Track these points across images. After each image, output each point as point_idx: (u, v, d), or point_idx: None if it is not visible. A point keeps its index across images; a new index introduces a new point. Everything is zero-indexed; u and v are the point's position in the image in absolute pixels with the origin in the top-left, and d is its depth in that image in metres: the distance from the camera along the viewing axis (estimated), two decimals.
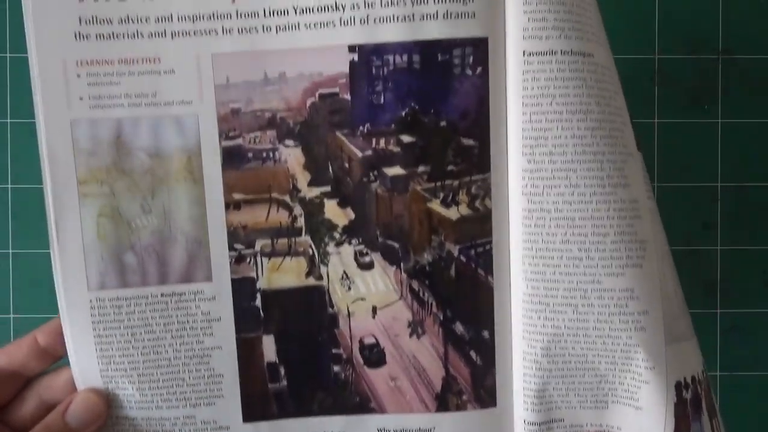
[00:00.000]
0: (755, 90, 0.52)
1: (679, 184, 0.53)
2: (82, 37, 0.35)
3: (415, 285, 0.37)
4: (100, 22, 0.35)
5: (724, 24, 0.51)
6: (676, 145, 0.53)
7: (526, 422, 0.37)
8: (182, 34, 0.35)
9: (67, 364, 0.37)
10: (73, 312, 0.36)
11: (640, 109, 0.52)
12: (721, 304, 0.53)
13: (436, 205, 0.36)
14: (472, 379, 0.37)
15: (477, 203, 0.35)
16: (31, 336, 0.37)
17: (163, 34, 0.35)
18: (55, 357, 0.38)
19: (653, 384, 0.34)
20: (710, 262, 0.53)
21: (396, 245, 0.36)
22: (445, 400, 0.37)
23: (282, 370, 0.38)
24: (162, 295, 0.37)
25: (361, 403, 0.38)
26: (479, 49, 0.34)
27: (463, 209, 0.36)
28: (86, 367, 0.36)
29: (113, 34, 0.35)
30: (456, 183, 0.35)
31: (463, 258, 0.36)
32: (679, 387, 0.35)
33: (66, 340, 0.36)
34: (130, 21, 0.35)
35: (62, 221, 0.36)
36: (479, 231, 0.36)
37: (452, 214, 0.36)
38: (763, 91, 0.52)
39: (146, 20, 0.35)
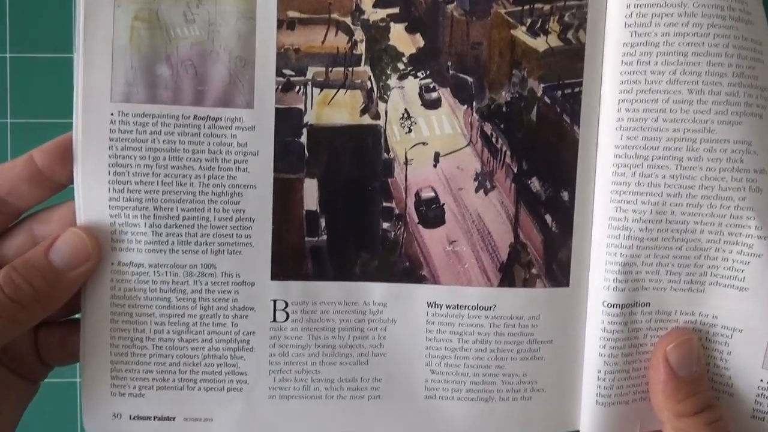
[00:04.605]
0: None
1: None
2: None
3: (488, 129, 0.32)
4: None
5: None
6: None
7: (606, 304, 0.31)
8: None
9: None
10: (89, 126, 0.31)
11: None
12: None
13: (521, 33, 0.31)
14: (545, 249, 0.32)
15: (569, 34, 0.31)
16: (27, 155, 0.31)
17: None
18: (54, 185, 0.32)
19: (766, 257, 0.29)
20: None
21: (469, 79, 0.32)
22: (510, 272, 0.32)
23: (322, 222, 0.32)
24: (195, 117, 0.32)
25: (410, 269, 0.32)
26: None
27: (553, 40, 0.31)
28: (93, 195, 0.31)
29: None
30: (547, 8, 0.31)
31: (547, 99, 0.31)
32: None
33: (74, 160, 0.31)
34: None
35: (92, 20, 0.31)
36: (569, 68, 0.31)
37: (539, 44, 0.31)
38: None
39: None
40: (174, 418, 0.33)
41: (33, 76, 0.47)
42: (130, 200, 0.31)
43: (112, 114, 0.31)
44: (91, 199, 0.31)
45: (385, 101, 0.32)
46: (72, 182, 0.32)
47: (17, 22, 0.46)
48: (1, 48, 0.47)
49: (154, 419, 0.33)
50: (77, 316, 0.33)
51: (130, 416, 0.32)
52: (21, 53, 0.47)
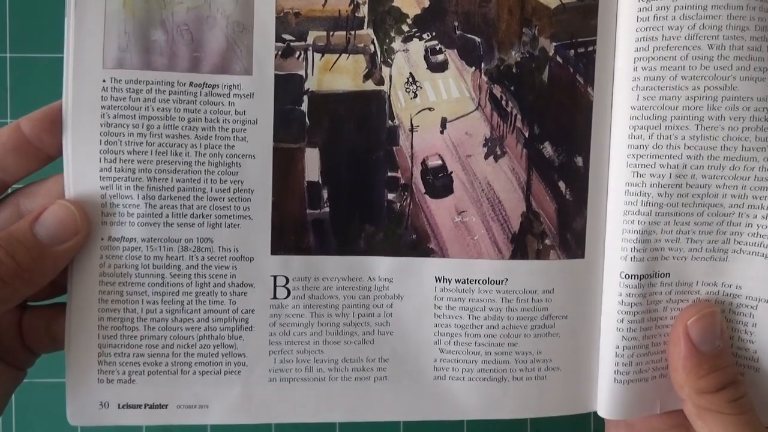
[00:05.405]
0: None
1: None
2: None
3: (498, 91, 0.30)
4: None
5: None
6: None
7: (624, 275, 0.29)
8: None
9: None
10: (80, 93, 0.29)
11: None
12: None
13: None
14: (559, 217, 0.30)
15: None
16: (13, 124, 0.30)
17: None
18: (42, 156, 0.30)
19: None
20: None
21: (477, 40, 0.30)
22: (522, 243, 0.30)
23: (325, 194, 0.31)
24: (191, 84, 0.30)
25: (417, 242, 0.31)
26: None
27: None
28: (83, 166, 0.29)
29: None
30: None
31: (559, 59, 0.30)
32: None
33: (64, 129, 0.29)
34: None
35: None
36: (582, 26, 0.30)
37: (551, 1, 0.29)
38: None
39: None
40: (166, 406, 0.31)
41: (33, 76, 0.46)
42: (123, 171, 0.30)
43: (104, 81, 0.30)
44: (81, 170, 0.30)
45: (389, 65, 0.31)
46: (61, 154, 0.30)
47: (17, 22, 0.46)
48: (1, 48, 0.46)
49: (145, 407, 0.31)
50: (65, 299, 0.31)
51: (119, 405, 0.30)
52: (21, 53, 0.46)
